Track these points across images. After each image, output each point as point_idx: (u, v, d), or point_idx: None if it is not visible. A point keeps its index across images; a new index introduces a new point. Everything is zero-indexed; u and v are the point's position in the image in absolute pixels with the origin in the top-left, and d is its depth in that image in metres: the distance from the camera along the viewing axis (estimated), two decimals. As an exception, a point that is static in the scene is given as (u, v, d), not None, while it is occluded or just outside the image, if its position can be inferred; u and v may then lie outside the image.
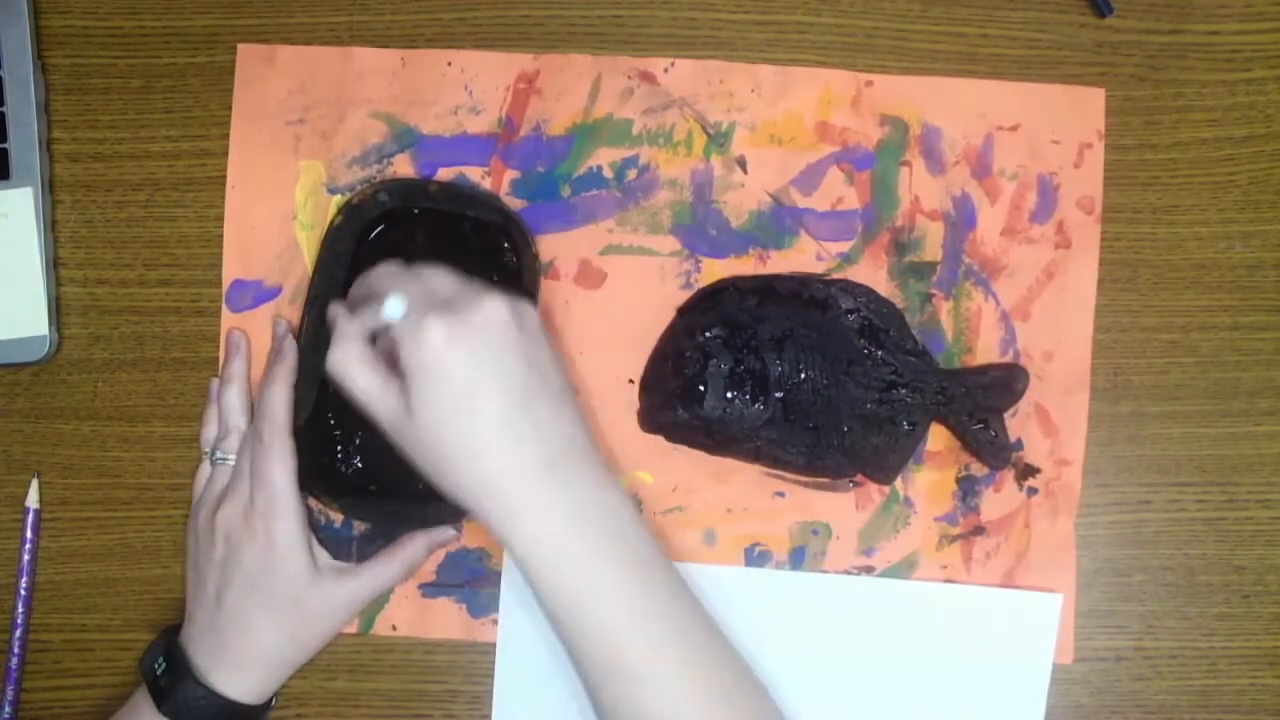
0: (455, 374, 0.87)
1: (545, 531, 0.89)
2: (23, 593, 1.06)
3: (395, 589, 1.05)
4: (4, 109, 1.04)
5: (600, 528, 0.90)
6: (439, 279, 0.92)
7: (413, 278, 0.92)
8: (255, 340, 1.05)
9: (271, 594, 0.97)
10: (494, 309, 0.88)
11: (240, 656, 0.96)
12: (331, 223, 1.03)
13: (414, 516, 1.03)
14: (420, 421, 0.87)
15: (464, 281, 0.92)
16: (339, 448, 1.04)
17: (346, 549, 1.03)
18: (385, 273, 0.93)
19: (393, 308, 0.87)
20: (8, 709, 1.05)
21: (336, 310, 0.93)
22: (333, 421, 1.04)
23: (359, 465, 1.04)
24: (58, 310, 1.06)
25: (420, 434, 0.88)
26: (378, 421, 0.90)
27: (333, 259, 1.03)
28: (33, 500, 1.06)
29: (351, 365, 0.89)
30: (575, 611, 0.89)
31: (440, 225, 1.03)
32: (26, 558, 1.06)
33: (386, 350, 0.91)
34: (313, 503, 1.02)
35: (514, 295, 0.90)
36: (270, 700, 1.00)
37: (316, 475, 1.00)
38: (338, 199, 1.05)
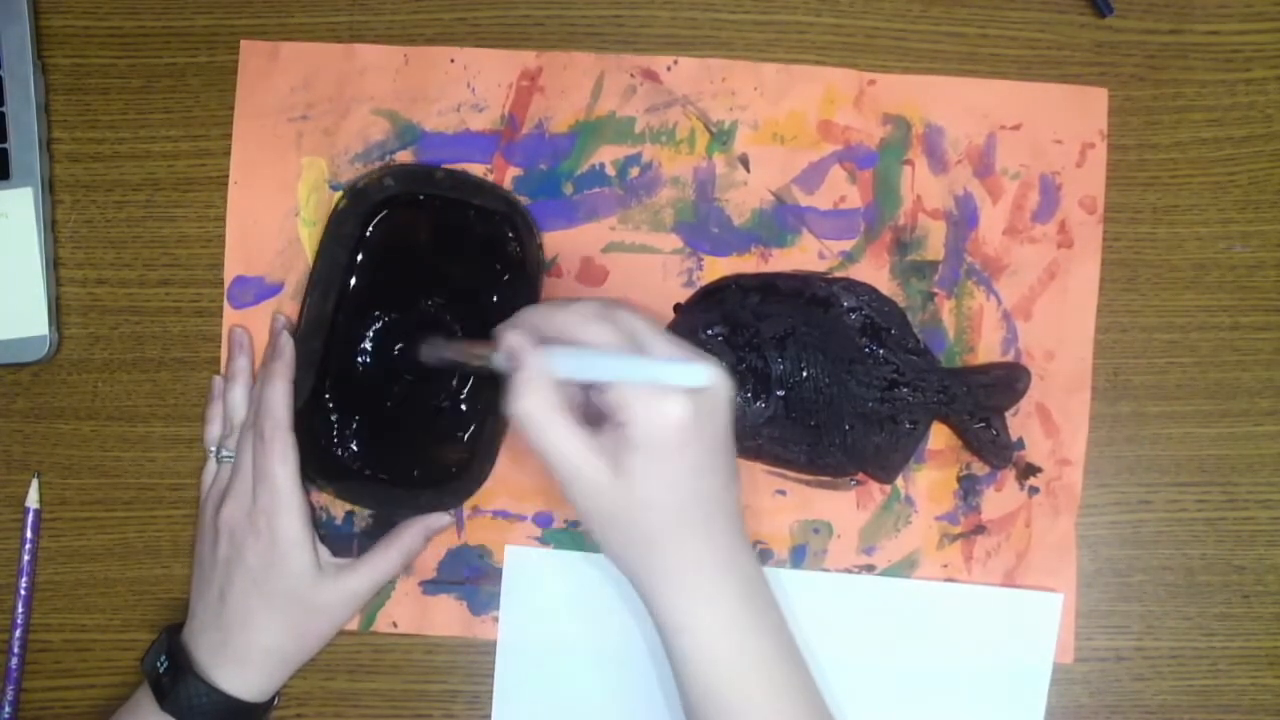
0: (688, 455, 0.84)
1: (720, 617, 0.87)
2: (23, 593, 1.05)
3: (396, 586, 1.05)
4: (4, 109, 1.04)
5: (758, 606, 0.89)
6: (657, 338, 0.86)
7: (613, 326, 0.85)
8: (258, 337, 1.05)
9: (275, 591, 0.97)
10: (722, 385, 0.85)
11: (243, 654, 0.97)
12: (335, 206, 1.03)
13: (408, 501, 1.04)
14: (635, 492, 0.84)
15: (675, 342, 0.86)
16: (335, 432, 1.04)
17: (348, 546, 1.03)
18: (584, 312, 0.86)
19: (696, 377, 0.81)
20: (8, 709, 1.05)
21: (520, 342, 0.86)
22: (330, 405, 1.04)
23: (354, 449, 1.04)
24: (58, 310, 1.06)
25: (629, 503, 0.84)
26: (565, 477, 0.85)
27: (335, 243, 1.03)
28: (33, 500, 1.06)
29: (546, 416, 0.84)
30: (726, 686, 0.88)
31: (445, 212, 1.04)
32: (26, 558, 1.05)
33: (574, 400, 0.86)
34: (314, 499, 1.02)
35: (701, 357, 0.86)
36: (273, 698, 1.00)
37: (312, 459, 1.00)
38: (341, 192, 1.05)
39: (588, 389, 0.88)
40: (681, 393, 0.83)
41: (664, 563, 0.86)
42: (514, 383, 0.85)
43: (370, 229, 1.03)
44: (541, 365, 0.84)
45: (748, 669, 0.88)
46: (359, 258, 1.03)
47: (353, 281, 1.03)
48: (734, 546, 0.88)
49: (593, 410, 0.87)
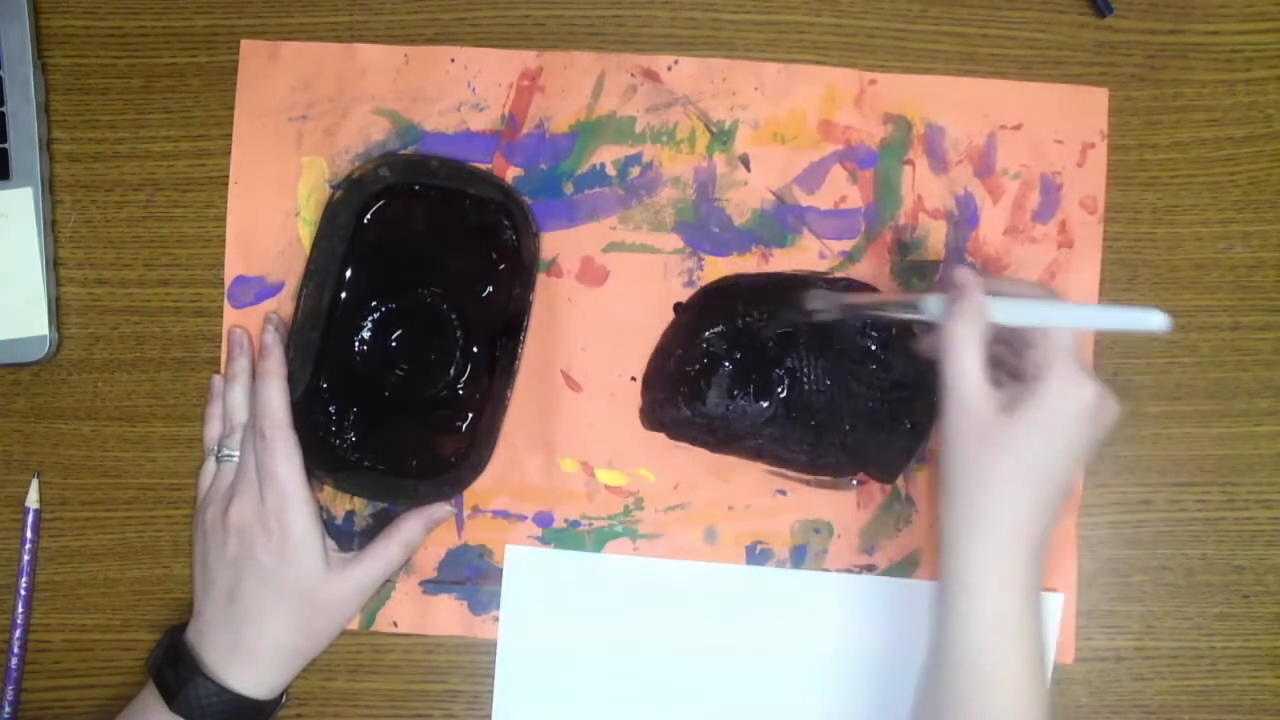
0: (1073, 434, 0.89)
1: (1010, 593, 0.90)
2: (23, 593, 1.05)
3: (396, 585, 1.05)
4: (4, 109, 1.04)
5: (1036, 600, 0.90)
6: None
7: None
8: (257, 337, 1.04)
9: (286, 588, 0.97)
10: (1161, 326, 0.86)
11: (253, 652, 0.97)
12: (332, 197, 1.03)
13: (406, 492, 1.04)
14: (1010, 434, 0.89)
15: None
16: (333, 422, 1.04)
17: (348, 545, 1.03)
18: (1033, 282, 0.95)
19: (1159, 321, 0.85)
20: (8, 709, 1.05)
21: (971, 279, 0.91)
22: (327, 395, 1.04)
23: (352, 439, 1.04)
24: (58, 310, 1.06)
25: (998, 439, 0.89)
26: (957, 400, 0.90)
27: (332, 233, 1.03)
28: (33, 500, 1.06)
29: (970, 343, 0.90)
30: (993, 656, 0.90)
31: (441, 202, 1.04)
32: (26, 558, 1.05)
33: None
34: (316, 497, 1.02)
35: None
36: (281, 696, 1.00)
37: (310, 450, 1.00)
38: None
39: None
40: (1095, 387, 0.89)
41: (996, 506, 0.90)
42: (955, 305, 0.91)
43: (366, 219, 1.04)
44: (976, 298, 0.90)
45: (1017, 649, 0.89)
46: (355, 248, 1.03)
47: (349, 272, 1.04)
48: (1046, 537, 0.91)
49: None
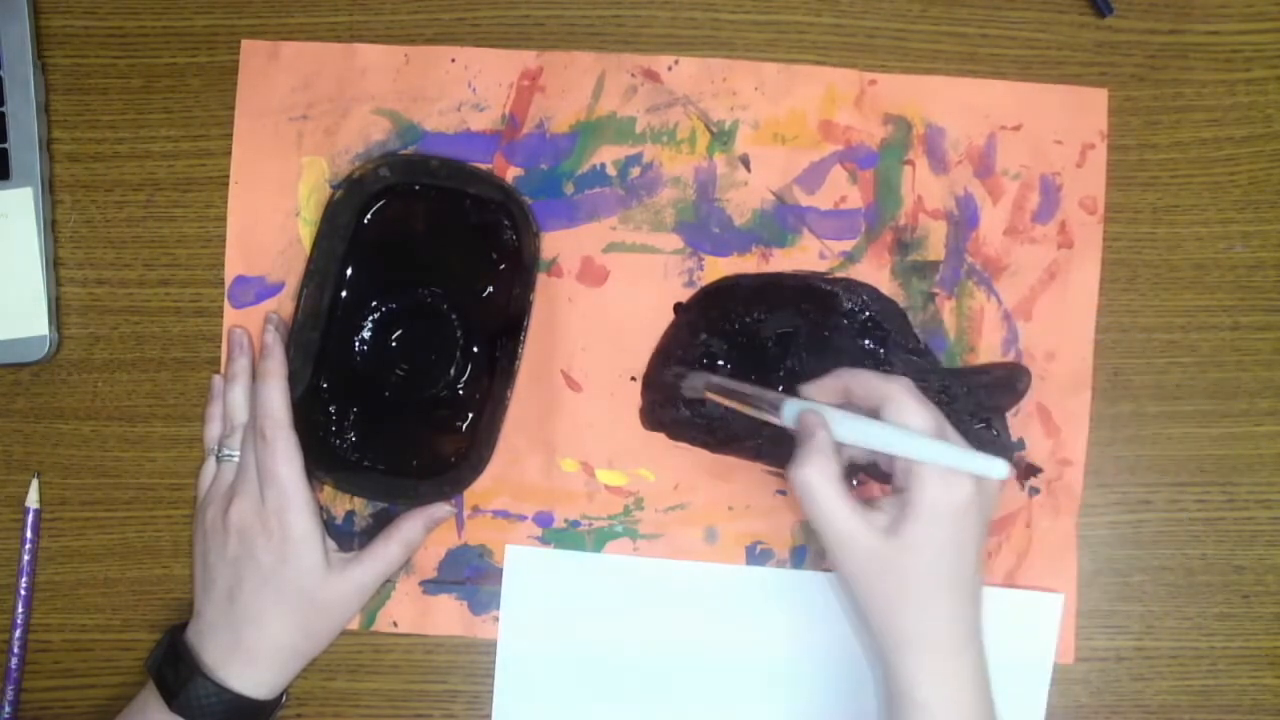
0: (962, 531, 0.90)
1: (958, 688, 0.92)
2: (23, 593, 1.05)
3: (396, 585, 1.05)
4: (4, 109, 1.04)
5: (984, 682, 0.93)
6: (953, 431, 0.93)
7: (927, 408, 0.92)
8: (258, 337, 1.04)
9: (287, 588, 0.97)
10: (1001, 475, 0.88)
11: (253, 651, 0.97)
12: (332, 197, 1.03)
13: (406, 492, 1.04)
14: (906, 556, 0.89)
15: (962, 438, 0.93)
16: (333, 422, 1.04)
17: (348, 545, 1.03)
18: (906, 387, 0.93)
19: (999, 470, 0.87)
20: (8, 709, 1.05)
21: (815, 421, 0.92)
22: (327, 395, 1.04)
23: (352, 439, 1.04)
24: (58, 310, 1.06)
25: (900, 564, 0.90)
26: (835, 539, 0.91)
27: (332, 233, 1.03)
28: (33, 500, 1.06)
29: (824, 486, 0.90)
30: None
31: (441, 202, 1.04)
32: (26, 558, 1.05)
33: (848, 459, 0.95)
34: (316, 498, 1.02)
35: None
36: (281, 696, 1.00)
37: (310, 449, 1.00)
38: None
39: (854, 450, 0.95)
40: (970, 477, 0.89)
41: (918, 624, 0.91)
42: (801, 449, 0.92)
43: (367, 219, 1.04)
44: (821, 439, 0.92)
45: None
46: (355, 248, 1.03)
47: (349, 272, 1.04)
48: (976, 628, 0.93)
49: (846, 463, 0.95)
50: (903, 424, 0.91)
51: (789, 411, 0.94)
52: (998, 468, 0.86)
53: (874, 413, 0.92)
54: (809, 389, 0.96)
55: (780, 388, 1.02)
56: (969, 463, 0.88)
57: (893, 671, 0.92)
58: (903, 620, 0.91)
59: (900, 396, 0.91)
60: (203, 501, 1.02)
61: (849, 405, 0.94)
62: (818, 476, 0.90)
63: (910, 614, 0.90)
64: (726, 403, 0.99)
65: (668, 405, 1.03)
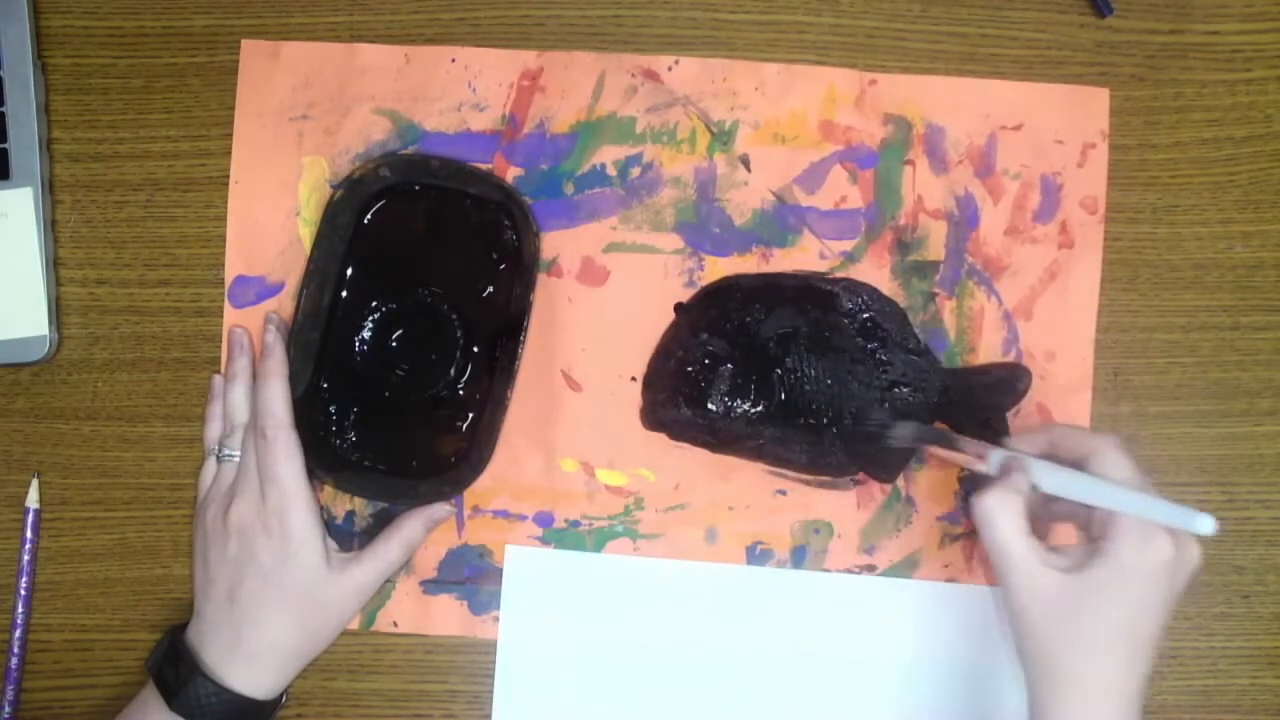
0: (1154, 590, 0.88)
1: None
2: (23, 593, 1.05)
3: (396, 585, 1.05)
4: (4, 109, 1.04)
5: None
6: (1151, 486, 0.91)
7: (1133, 462, 0.91)
8: (258, 337, 1.04)
9: (287, 587, 0.97)
10: (1206, 530, 0.87)
11: (253, 651, 0.97)
12: (332, 197, 1.03)
13: (406, 492, 1.04)
14: (1090, 601, 0.88)
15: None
16: (333, 422, 1.04)
17: (348, 545, 1.03)
18: (1112, 443, 0.92)
19: (1205, 525, 0.85)
20: (8, 709, 1.05)
21: (1014, 465, 0.93)
22: (327, 395, 1.04)
23: (353, 439, 1.04)
24: (58, 310, 1.06)
25: (1078, 609, 0.88)
26: (1009, 571, 0.90)
27: (332, 233, 1.03)
28: (33, 500, 1.06)
29: (1004, 518, 0.90)
30: None
31: (441, 202, 1.04)
32: (26, 558, 1.05)
33: (1035, 507, 0.93)
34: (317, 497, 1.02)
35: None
36: (281, 696, 1.00)
37: (310, 449, 1.00)
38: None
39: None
40: (1169, 541, 0.87)
41: (1082, 669, 0.89)
42: (993, 485, 0.92)
43: (367, 219, 1.04)
44: (1017, 480, 0.92)
45: None
46: (356, 248, 1.03)
47: (349, 272, 1.04)
48: (1141, 690, 0.90)
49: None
50: (1107, 476, 0.90)
51: (994, 459, 0.94)
52: (1203, 523, 0.85)
53: (1079, 465, 0.92)
54: (1017, 441, 0.96)
55: (780, 389, 1.02)
56: (1171, 515, 0.87)
57: (1039, 709, 0.91)
58: (1066, 662, 0.89)
59: (1110, 452, 0.91)
60: (203, 501, 1.02)
61: (1054, 457, 0.94)
62: (999, 506, 0.90)
63: (1076, 658, 0.89)
64: (938, 453, 1.01)
65: (668, 405, 1.03)
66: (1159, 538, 0.87)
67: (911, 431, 1.01)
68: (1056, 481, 0.91)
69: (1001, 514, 0.90)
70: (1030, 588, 0.89)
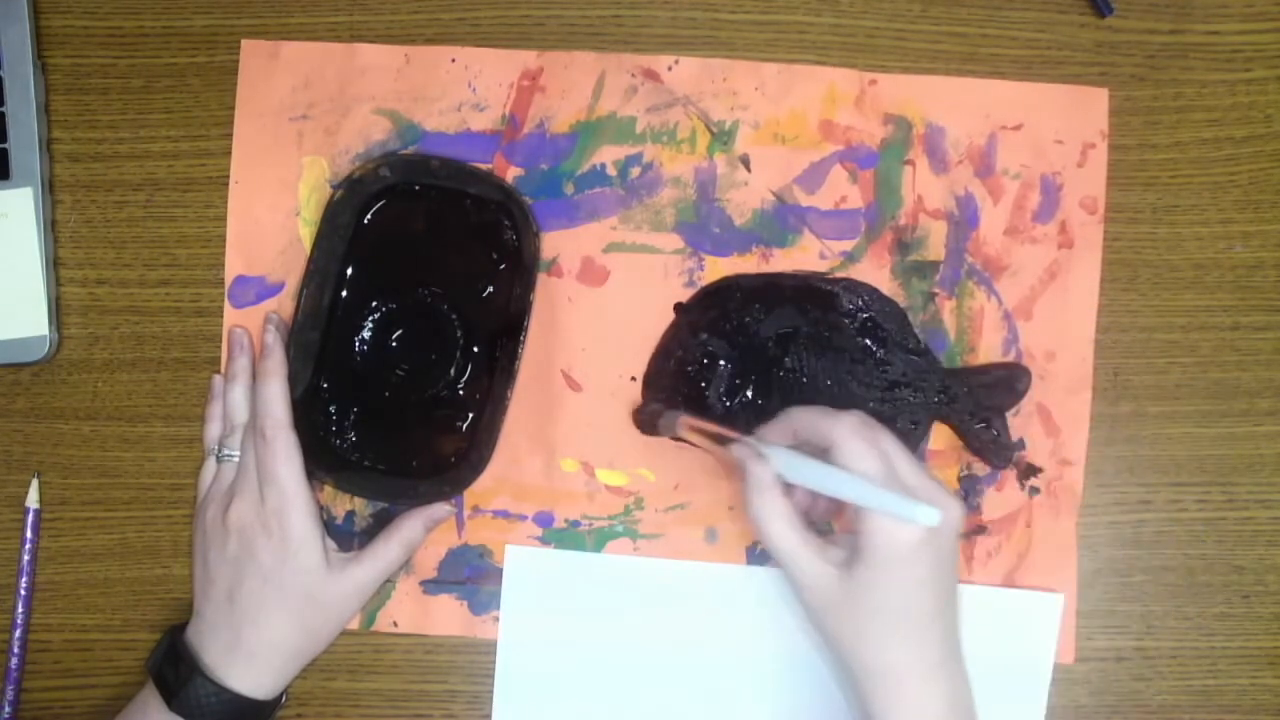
0: (916, 570, 0.89)
1: (925, 713, 0.90)
2: (23, 593, 1.05)
3: (396, 585, 1.05)
4: (4, 109, 1.04)
5: (959, 715, 0.92)
6: (906, 464, 0.91)
7: (873, 449, 0.90)
8: (258, 337, 1.04)
9: (287, 588, 0.97)
10: (956, 516, 0.89)
11: (253, 652, 0.97)
12: (332, 197, 1.03)
13: (406, 492, 1.04)
14: (860, 595, 0.89)
15: (925, 471, 0.92)
16: (333, 422, 1.04)
17: (348, 545, 1.03)
18: (850, 425, 0.91)
19: (926, 517, 0.85)
20: (8, 709, 1.05)
21: (747, 455, 0.93)
22: (327, 395, 1.04)
23: (352, 439, 1.04)
24: (58, 310, 1.06)
25: (854, 604, 0.90)
26: (790, 573, 0.92)
27: (332, 233, 1.03)
28: (33, 500, 1.06)
29: (773, 521, 0.91)
30: None
31: (441, 202, 1.04)
32: (26, 558, 1.05)
33: (797, 501, 0.94)
34: (317, 497, 1.02)
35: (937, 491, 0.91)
36: (281, 696, 1.00)
37: (310, 449, 1.00)
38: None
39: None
40: (913, 524, 0.87)
41: (880, 660, 0.90)
42: (745, 486, 0.93)
43: (367, 219, 1.04)
44: (758, 472, 0.92)
45: None
46: (356, 248, 1.04)
47: (349, 272, 1.04)
48: (946, 657, 0.91)
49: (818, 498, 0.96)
50: (846, 466, 0.90)
51: (737, 451, 0.94)
52: (928, 515, 0.85)
53: (824, 453, 0.91)
54: (765, 429, 0.96)
55: (780, 389, 1.02)
56: (902, 510, 0.86)
57: (861, 701, 0.92)
58: (864, 653, 0.90)
59: (844, 439, 0.90)
60: (203, 501, 1.02)
61: (801, 443, 0.94)
62: (765, 511, 0.91)
63: (870, 648, 0.90)
64: (699, 443, 1.00)
65: (669, 405, 1.03)
66: (905, 526, 0.88)
67: (676, 420, 1.00)
68: (796, 472, 0.92)
69: (768, 511, 0.91)
70: (810, 585, 0.91)
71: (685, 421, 0.99)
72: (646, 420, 1.03)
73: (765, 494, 0.91)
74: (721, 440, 0.97)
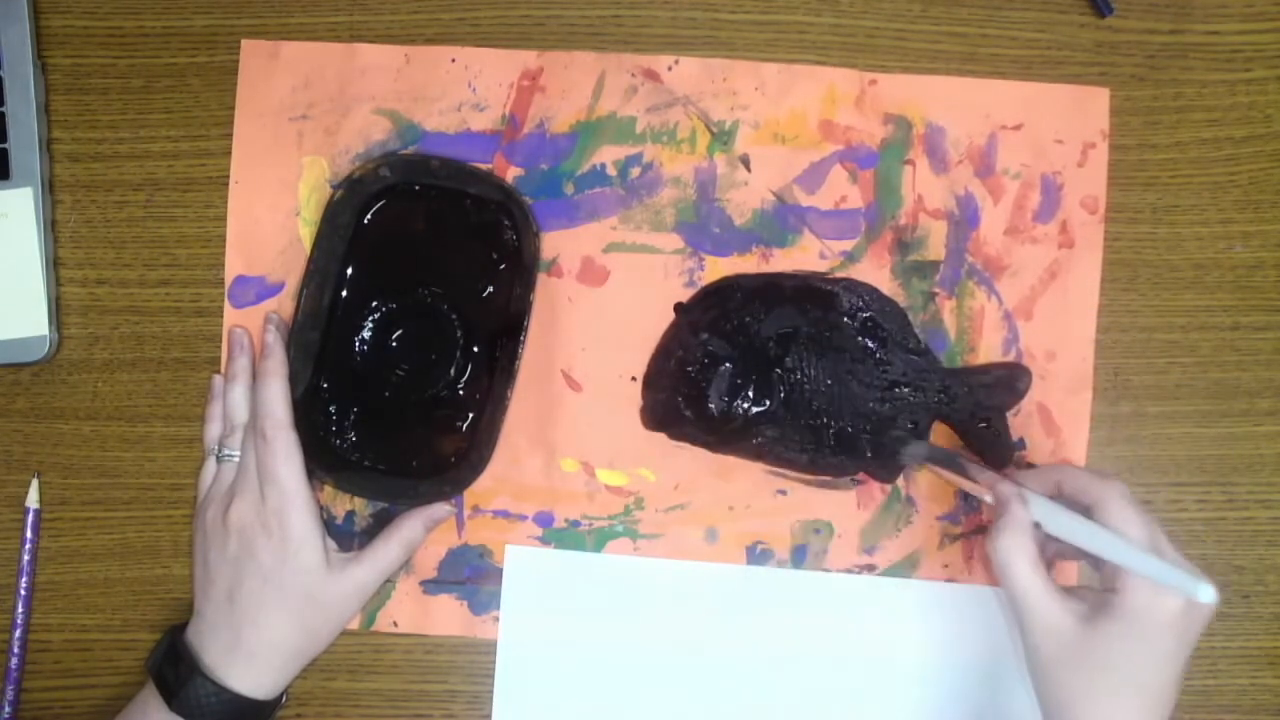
0: (1166, 641, 0.88)
1: None
2: (23, 593, 1.05)
3: (396, 585, 1.05)
4: (4, 109, 1.04)
5: None
6: (1164, 539, 0.90)
7: (1142, 517, 0.90)
8: (258, 337, 1.04)
9: (287, 588, 0.97)
10: (1215, 601, 0.87)
11: (253, 651, 0.97)
12: (332, 197, 1.03)
13: (407, 492, 1.04)
14: (1096, 651, 0.89)
15: (1179, 554, 0.90)
16: (333, 422, 1.04)
17: (348, 545, 1.03)
18: (1121, 493, 0.91)
19: (1206, 594, 0.85)
20: (8, 709, 1.05)
21: (1010, 492, 0.93)
22: (327, 395, 1.04)
23: (353, 439, 1.04)
24: (58, 310, 1.06)
25: (1089, 659, 0.89)
26: (1026, 613, 0.91)
27: (332, 233, 1.03)
28: (33, 500, 1.06)
29: (1020, 560, 0.91)
30: None
31: (441, 202, 1.04)
32: (26, 558, 1.05)
33: (1041, 549, 0.93)
34: (317, 498, 1.02)
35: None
36: (281, 696, 1.00)
37: (310, 449, 1.00)
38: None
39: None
40: (1175, 595, 0.87)
41: (1098, 716, 0.90)
42: (997, 521, 0.93)
43: (367, 219, 1.04)
44: (1018, 512, 0.92)
45: None
46: (356, 248, 1.04)
47: (349, 272, 1.04)
48: None
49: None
50: (1114, 529, 0.89)
51: (996, 487, 0.95)
52: (1205, 591, 0.85)
53: (1086, 511, 0.92)
54: (1025, 476, 0.96)
55: (780, 389, 1.02)
56: (1175, 580, 0.86)
57: None
58: (1087, 710, 0.89)
59: (1116, 502, 0.90)
60: (203, 501, 1.02)
61: (1061, 497, 0.94)
62: (1015, 550, 0.91)
63: (1096, 706, 0.89)
64: (945, 475, 1.01)
65: (669, 405, 1.03)
66: (1166, 595, 0.87)
67: (924, 451, 1.02)
68: (1060, 525, 0.92)
69: (1017, 554, 0.91)
70: (1044, 628, 0.90)
71: (936, 454, 1.01)
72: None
73: (1019, 536, 0.91)
74: (969, 477, 0.98)
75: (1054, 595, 0.90)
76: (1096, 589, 0.92)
